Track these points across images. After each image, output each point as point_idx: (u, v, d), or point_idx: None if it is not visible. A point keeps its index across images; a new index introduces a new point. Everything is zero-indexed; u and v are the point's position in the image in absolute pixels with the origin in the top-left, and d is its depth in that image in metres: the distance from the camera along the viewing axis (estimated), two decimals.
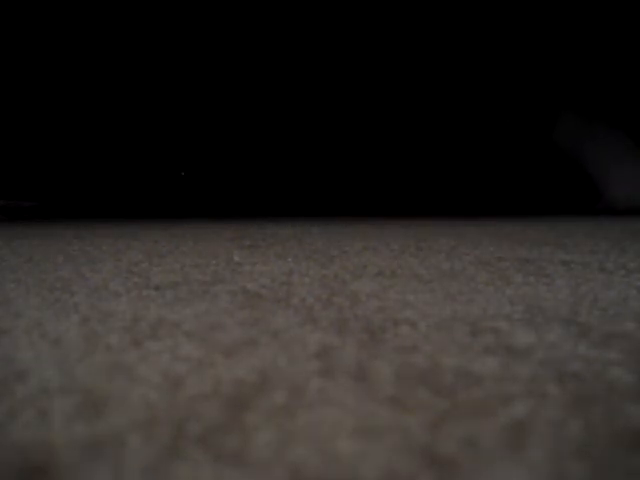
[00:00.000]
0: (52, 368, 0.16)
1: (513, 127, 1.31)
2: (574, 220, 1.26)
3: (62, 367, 0.16)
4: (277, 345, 0.18)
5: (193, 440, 0.11)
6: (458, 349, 0.17)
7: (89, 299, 0.25)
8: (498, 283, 0.28)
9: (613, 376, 0.15)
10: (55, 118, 1.02)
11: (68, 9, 0.95)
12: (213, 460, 0.10)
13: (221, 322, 0.21)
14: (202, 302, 0.24)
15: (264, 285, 0.28)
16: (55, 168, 1.06)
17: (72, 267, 0.35)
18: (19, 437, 0.11)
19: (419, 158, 1.29)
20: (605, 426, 0.12)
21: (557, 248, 0.43)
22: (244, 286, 0.28)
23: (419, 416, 0.12)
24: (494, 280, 0.29)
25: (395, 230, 0.83)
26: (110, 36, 0.97)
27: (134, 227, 0.72)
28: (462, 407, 0.13)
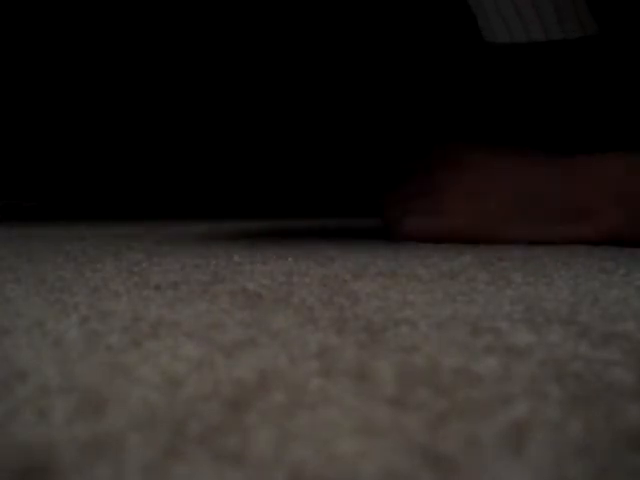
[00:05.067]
0: (52, 368, 0.16)
1: None
2: None
3: (62, 367, 0.16)
4: (277, 345, 0.18)
5: (193, 440, 0.11)
6: (458, 349, 0.17)
7: (89, 299, 0.25)
8: (498, 283, 0.28)
9: (613, 376, 0.15)
10: (55, 118, 1.02)
11: (67, 9, 0.96)
12: (213, 460, 0.10)
13: (221, 322, 0.21)
14: (202, 302, 0.24)
15: (264, 285, 0.28)
16: (55, 168, 1.06)
17: (72, 267, 0.35)
18: (19, 437, 0.11)
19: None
20: (605, 426, 0.12)
21: (556, 248, 0.43)
22: (244, 286, 0.28)
23: (419, 416, 0.12)
24: (494, 280, 0.29)
25: None
26: (110, 36, 0.97)
27: (134, 227, 0.72)
28: (462, 407, 0.13)
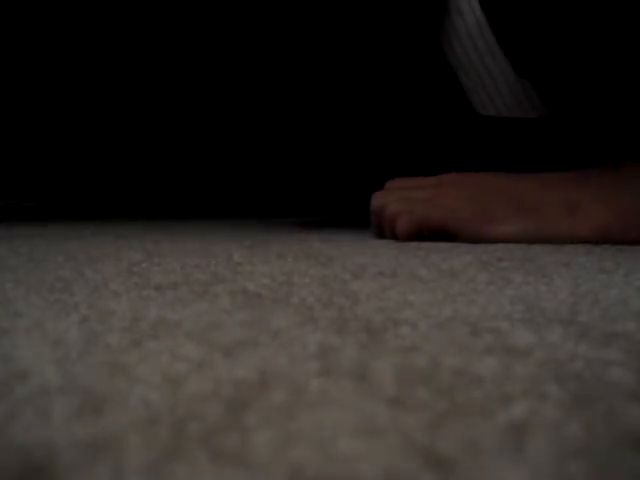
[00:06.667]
0: (52, 368, 0.16)
1: None
2: None
3: (62, 367, 0.16)
4: (277, 345, 0.18)
5: (193, 440, 0.11)
6: (458, 349, 0.17)
7: (89, 299, 0.25)
8: (498, 283, 0.28)
9: (613, 376, 0.15)
10: (54, 118, 1.02)
11: (67, 9, 0.96)
12: (213, 460, 0.10)
13: (221, 322, 0.21)
14: (202, 302, 0.24)
15: (264, 285, 0.28)
16: (55, 168, 1.06)
17: (72, 267, 0.35)
18: (19, 437, 0.11)
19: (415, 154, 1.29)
20: (605, 426, 0.12)
21: (555, 248, 0.43)
22: (244, 286, 0.28)
23: (419, 416, 0.12)
24: (494, 280, 0.29)
25: None
26: (110, 36, 0.97)
27: (134, 227, 0.72)
28: (462, 407, 0.13)
